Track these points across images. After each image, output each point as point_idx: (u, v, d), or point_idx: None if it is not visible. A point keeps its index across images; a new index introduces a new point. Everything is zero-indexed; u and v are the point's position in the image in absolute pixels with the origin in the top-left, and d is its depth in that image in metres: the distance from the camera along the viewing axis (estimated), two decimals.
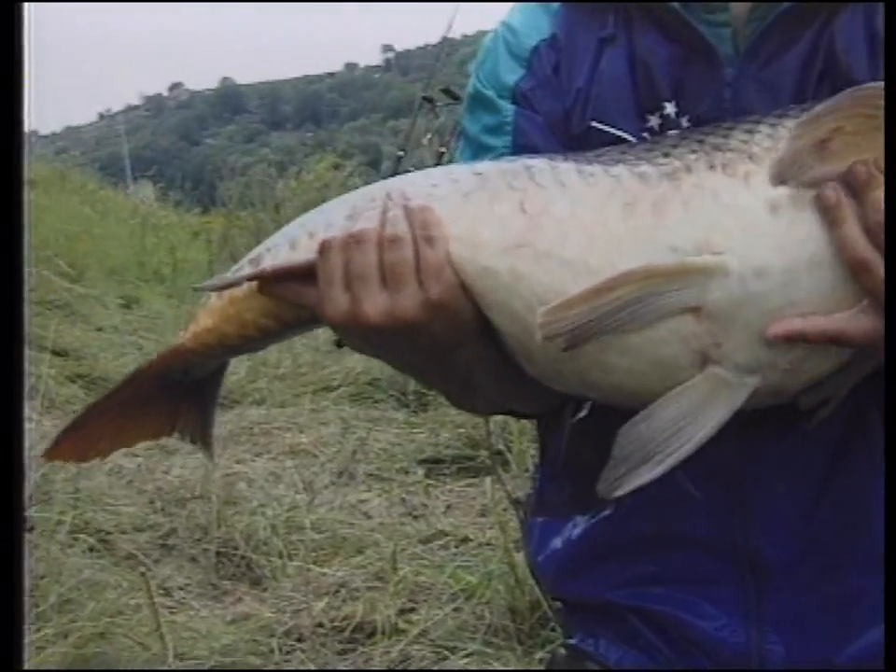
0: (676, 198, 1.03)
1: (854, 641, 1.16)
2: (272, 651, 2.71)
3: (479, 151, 1.28)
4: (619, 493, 0.98)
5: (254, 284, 1.11)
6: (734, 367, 0.98)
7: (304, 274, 1.07)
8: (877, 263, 0.97)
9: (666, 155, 1.07)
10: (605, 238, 1.03)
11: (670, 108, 1.20)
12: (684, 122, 1.19)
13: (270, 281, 1.10)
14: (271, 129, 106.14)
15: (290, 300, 1.10)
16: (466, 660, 2.53)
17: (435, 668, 2.53)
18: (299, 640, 2.77)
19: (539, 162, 1.11)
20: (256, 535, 3.26)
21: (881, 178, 0.98)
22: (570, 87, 1.25)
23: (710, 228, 1.00)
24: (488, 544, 3.04)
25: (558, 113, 1.26)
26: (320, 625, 2.81)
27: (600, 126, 1.22)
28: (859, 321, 0.98)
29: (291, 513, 3.44)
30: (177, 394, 1.24)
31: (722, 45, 1.19)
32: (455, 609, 2.77)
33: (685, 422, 0.97)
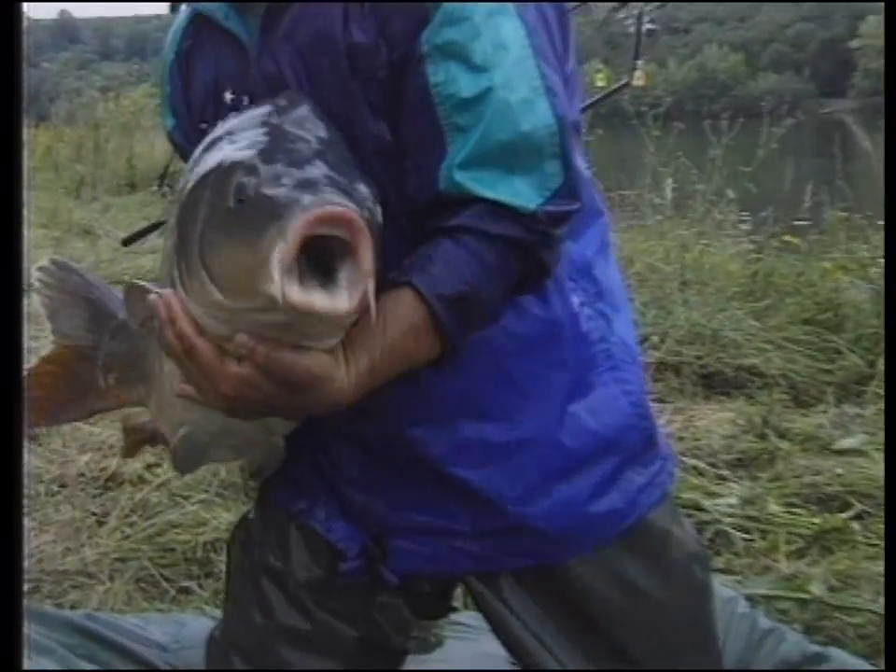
0: None
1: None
2: (38, 494, 2.97)
3: None
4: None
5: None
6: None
7: None
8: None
9: None
10: None
11: (228, 95, 1.41)
12: (245, 100, 1.37)
13: None
14: (102, 59, 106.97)
15: None
16: (196, 506, 2.88)
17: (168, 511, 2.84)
18: (62, 486, 3.04)
19: None
20: None
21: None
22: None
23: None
24: None
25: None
26: (82, 475, 3.10)
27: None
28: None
29: None
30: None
31: (253, 34, 1.38)
32: None
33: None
